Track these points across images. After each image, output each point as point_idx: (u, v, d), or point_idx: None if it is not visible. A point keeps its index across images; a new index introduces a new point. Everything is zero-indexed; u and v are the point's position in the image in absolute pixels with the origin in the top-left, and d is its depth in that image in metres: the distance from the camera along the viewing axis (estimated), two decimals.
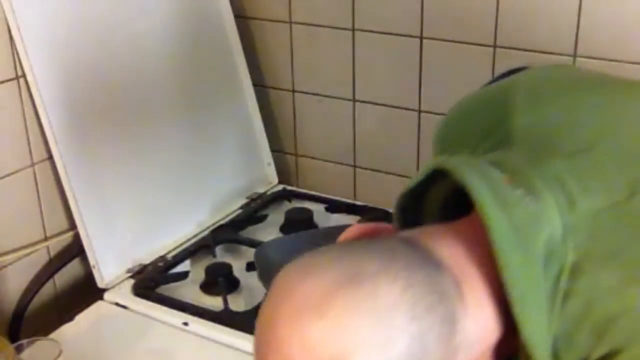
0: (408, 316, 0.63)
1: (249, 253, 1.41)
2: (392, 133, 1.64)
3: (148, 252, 1.44)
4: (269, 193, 1.71)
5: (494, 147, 0.79)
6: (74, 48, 1.34)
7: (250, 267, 1.39)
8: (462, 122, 0.89)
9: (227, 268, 1.40)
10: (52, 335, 1.22)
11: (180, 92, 1.55)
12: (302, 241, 1.44)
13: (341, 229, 1.44)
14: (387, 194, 1.68)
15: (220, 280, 1.36)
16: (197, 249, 1.48)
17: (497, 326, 0.69)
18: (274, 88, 1.75)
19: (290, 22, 1.67)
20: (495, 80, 0.95)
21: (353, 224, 0.80)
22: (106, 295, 1.35)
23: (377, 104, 1.64)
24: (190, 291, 1.38)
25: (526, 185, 0.71)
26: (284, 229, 1.58)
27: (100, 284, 1.36)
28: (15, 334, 1.33)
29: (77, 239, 1.38)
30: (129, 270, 1.40)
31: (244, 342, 1.22)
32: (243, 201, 1.67)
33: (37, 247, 1.38)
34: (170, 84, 1.53)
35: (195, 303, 1.32)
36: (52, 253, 1.42)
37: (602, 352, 0.67)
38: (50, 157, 1.34)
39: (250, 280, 1.38)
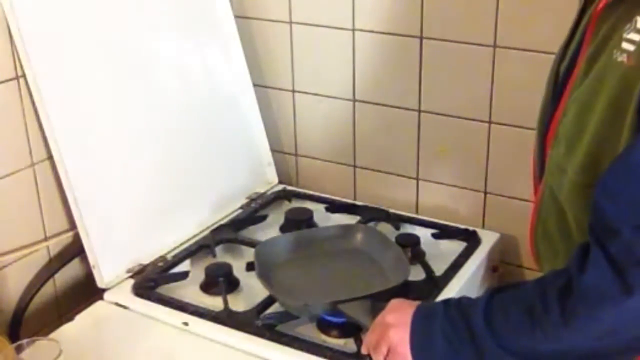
0: None
1: (249, 253, 1.41)
2: (392, 133, 1.64)
3: (148, 252, 1.44)
4: (269, 193, 1.71)
5: None
6: (74, 48, 1.35)
7: (250, 267, 1.39)
8: None
9: (227, 268, 1.40)
10: (52, 335, 1.22)
11: (180, 92, 1.55)
12: (301, 240, 1.44)
13: (341, 228, 1.46)
14: (387, 194, 1.68)
15: (220, 280, 1.36)
16: (197, 249, 1.48)
17: None
18: (274, 88, 1.75)
19: (290, 22, 1.67)
20: None
21: None
22: (106, 295, 1.35)
23: (377, 104, 1.64)
24: (190, 291, 1.38)
25: None
26: (284, 229, 1.58)
27: (100, 284, 1.36)
28: (15, 334, 1.33)
29: (77, 239, 1.38)
30: (129, 270, 1.40)
31: (244, 342, 1.22)
32: (243, 201, 1.67)
33: (37, 247, 1.38)
34: (170, 84, 1.53)
35: (195, 303, 1.32)
36: (52, 253, 1.42)
37: None
38: (50, 157, 1.34)
39: (250, 280, 1.38)
